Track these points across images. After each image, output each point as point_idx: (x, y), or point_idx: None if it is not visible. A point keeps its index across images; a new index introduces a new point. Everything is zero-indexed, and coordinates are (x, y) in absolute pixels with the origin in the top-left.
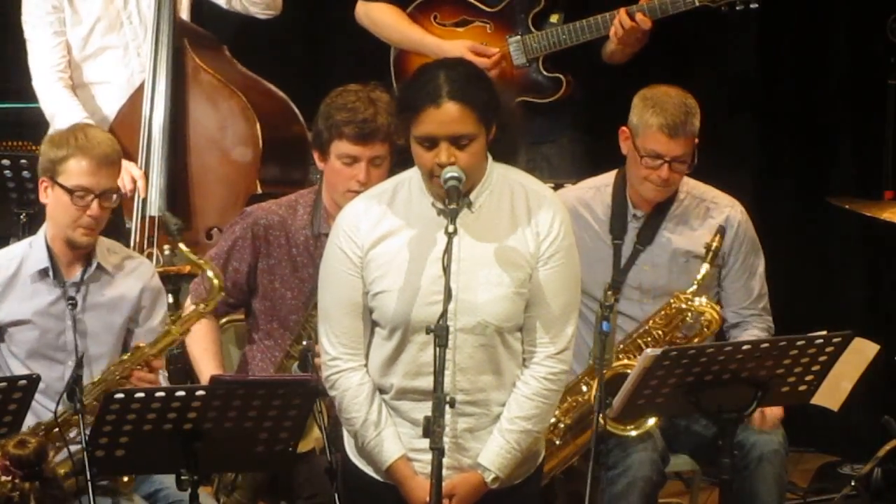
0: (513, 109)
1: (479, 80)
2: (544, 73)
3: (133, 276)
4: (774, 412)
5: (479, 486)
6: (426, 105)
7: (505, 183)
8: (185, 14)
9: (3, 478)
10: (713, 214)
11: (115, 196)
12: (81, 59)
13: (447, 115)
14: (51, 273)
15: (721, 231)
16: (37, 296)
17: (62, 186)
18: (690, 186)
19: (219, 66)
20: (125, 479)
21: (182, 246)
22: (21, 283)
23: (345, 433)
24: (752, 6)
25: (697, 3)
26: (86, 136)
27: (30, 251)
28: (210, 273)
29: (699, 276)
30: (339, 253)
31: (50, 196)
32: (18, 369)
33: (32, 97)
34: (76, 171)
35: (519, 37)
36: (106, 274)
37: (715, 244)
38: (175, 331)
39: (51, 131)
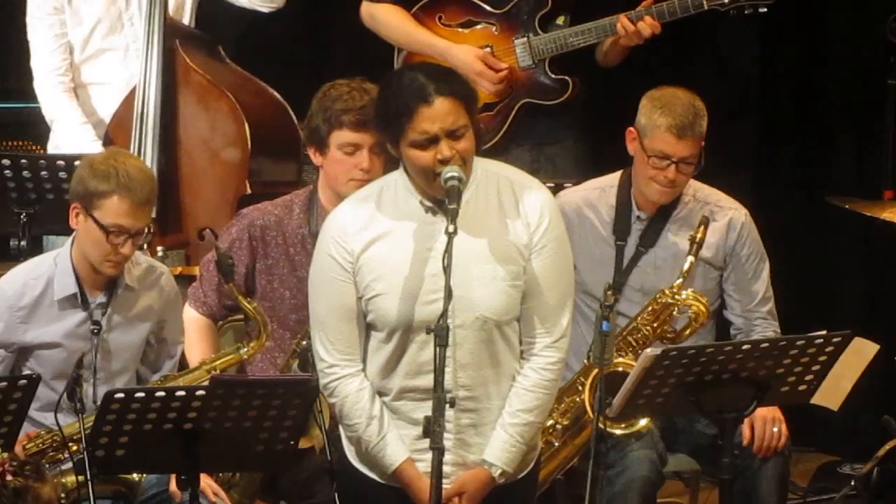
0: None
1: (456, 75)
2: (551, 75)
3: (155, 290)
4: (773, 441)
5: (487, 482)
6: (418, 105)
7: (489, 177)
8: (188, 15)
9: None
10: (717, 217)
11: (146, 233)
12: (81, 60)
13: (441, 109)
14: (78, 297)
15: (704, 222)
16: (64, 318)
17: (97, 222)
18: (695, 189)
19: (210, 66)
20: (136, 478)
21: (234, 287)
22: (48, 304)
23: (343, 434)
24: (760, 10)
25: (706, 7)
26: (128, 176)
27: (55, 271)
28: (258, 319)
29: (684, 269)
30: (330, 260)
31: (80, 224)
32: (41, 389)
33: (32, 97)
34: (115, 210)
35: (525, 38)
36: (130, 291)
37: (699, 235)
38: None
39: (52, 141)
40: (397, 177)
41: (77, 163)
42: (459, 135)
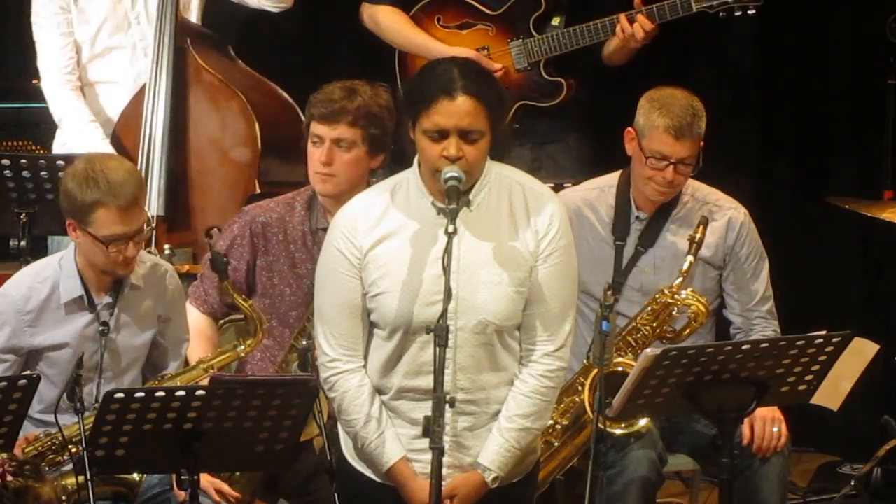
0: (508, 108)
1: (491, 79)
2: (545, 76)
3: (159, 287)
4: (773, 441)
5: (479, 486)
6: (440, 97)
7: (503, 181)
8: (195, 14)
9: None
10: (716, 217)
11: (146, 228)
12: (88, 59)
13: (461, 107)
14: (85, 299)
15: (704, 222)
16: (72, 320)
17: (94, 237)
18: (694, 188)
19: (221, 65)
20: (137, 478)
21: (228, 285)
22: (54, 307)
23: (342, 434)
24: (749, 12)
25: (695, 9)
26: (108, 181)
27: (60, 274)
28: (254, 316)
29: (683, 268)
30: (338, 254)
31: (80, 236)
32: (49, 392)
33: (32, 97)
34: (106, 221)
35: (521, 40)
36: (136, 290)
37: (699, 235)
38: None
39: (58, 139)
40: (410, 175)
41: None
42: (473, 139)
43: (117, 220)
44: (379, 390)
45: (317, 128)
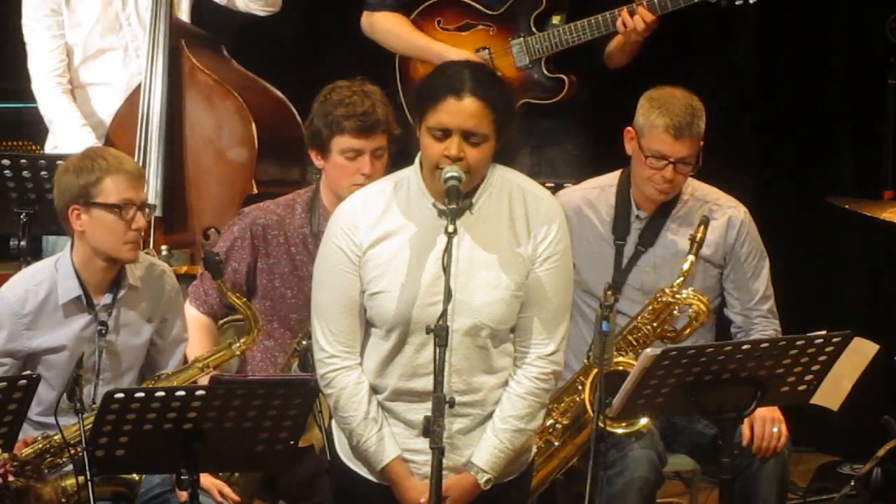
0: (516, 115)
1: (501, 85)
2: (547, 74)
3: (157, 288)
4: (773, 441)
5: (472, 488)
6: (447, 95)
7: (504, 184)
8: (185, 15)
9: None
10: (716, 216)
11: (148, 209)
12: (80, 61)
13: (466, 108)
14: (83, 300)
15: (705, 222)
16: (70, 322)
17: (104, 205)
18: (694, 188)
19: (216, 65)
20: (136, 478)
21: (222, 284)
22: (52, 309)
23: (336, 433)
24: (751, 0)
25: None
26: (112, 156)
27: (57, 276)
28: (248, 314)
29: (684, 268)
30: (337, 251)
31: (86, 221)
32: (47, 394)
33: (33, 97)
34: (116, 187)
35: (521, 38)
36: (134, 290)
37: (699, 235)
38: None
39: (49, 142)
40: (410, 174)
41: None
42: (475, 141)
43: (126, 186)
44: (374, 389)
45: (353, 142)
